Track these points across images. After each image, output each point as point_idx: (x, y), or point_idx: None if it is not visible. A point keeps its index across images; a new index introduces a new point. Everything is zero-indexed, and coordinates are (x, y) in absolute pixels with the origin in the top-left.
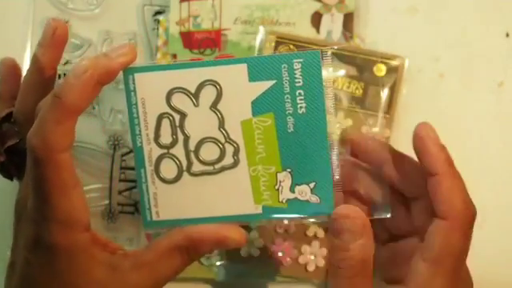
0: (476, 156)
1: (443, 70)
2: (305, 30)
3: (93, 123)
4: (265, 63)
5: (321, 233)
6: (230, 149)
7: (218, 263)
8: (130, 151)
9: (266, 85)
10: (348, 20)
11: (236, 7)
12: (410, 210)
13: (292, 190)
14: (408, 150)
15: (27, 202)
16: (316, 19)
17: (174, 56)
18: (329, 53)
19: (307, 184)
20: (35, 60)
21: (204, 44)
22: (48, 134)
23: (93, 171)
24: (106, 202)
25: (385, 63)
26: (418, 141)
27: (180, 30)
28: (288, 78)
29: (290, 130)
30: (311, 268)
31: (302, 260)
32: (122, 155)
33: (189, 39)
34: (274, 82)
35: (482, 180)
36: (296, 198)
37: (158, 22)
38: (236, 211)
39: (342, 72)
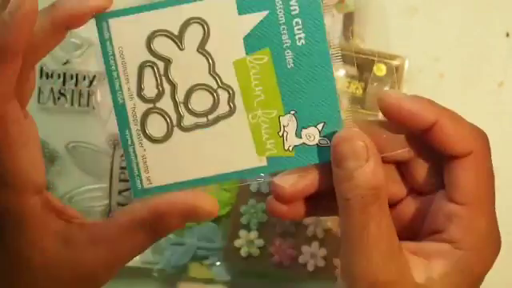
0: None
1: (443, 70)
2: None
3: (93, 123)
4: None
5: (320, 233)
6: (224, 95)
7: (218, 263)
8: None
9: (257, 17)
10: (348, 20)
11: None
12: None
13: (298, 134)
14: None
15: None
16: None
17: None
18: None
19: (315, 126)
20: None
21: None
22: None
23: (93, 171)
24: (106, 201)
25: (385, 63)
26: (388, 109)
27: None
28: (282, 7)
29: (289, 66)
30: (311, 268)
31: (301, 260)
32: (122, 155)
33: None
34: (266, 12)
35: None
36: (303, 144)
37: None
38: (238, 167)
39: (342, 72)
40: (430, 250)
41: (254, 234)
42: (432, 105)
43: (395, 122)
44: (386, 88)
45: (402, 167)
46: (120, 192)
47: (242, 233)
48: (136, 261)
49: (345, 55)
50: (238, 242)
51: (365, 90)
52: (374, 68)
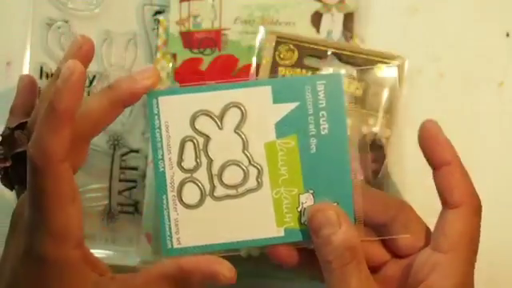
0: (476, 156)
1: (443, 70)
2: (305, 30)
3: None
4: (289, 85)
5: None
6: (253, 171)
7: None
8: (130, 151)
9: (289, 106)
10: (348, 20)
11: (236, 7)
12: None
13: None
14: (408, 150)
15: (24, 213)
16: (316, 19)
17: (174, 56)
18: (354, 73)
19: None
20: (58, 72)
21: (204, 44)
22: (45, 143)
23: (93, 171)
24: (106, 202)
25: (385, 63)
26: (428, 134)
27: (180, 30)
28: (312, 100)
29: (312, 151)
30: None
31: None
32: (122, 155)
33: (189, 39)
34: (297, 103)
35: (482, 180)
36: None
37: (158, 21)
38: (258, 235)
39: (342, 72)
40: None
41: None
42: (452, 146)
43: (423, 145)
44: (386, 88)
45: (384, 232)
46: (120, 192)
47: None
48: (136, 261)
49: (345, 55)
50: None
51: (365, 90)
52: (374, 68)
